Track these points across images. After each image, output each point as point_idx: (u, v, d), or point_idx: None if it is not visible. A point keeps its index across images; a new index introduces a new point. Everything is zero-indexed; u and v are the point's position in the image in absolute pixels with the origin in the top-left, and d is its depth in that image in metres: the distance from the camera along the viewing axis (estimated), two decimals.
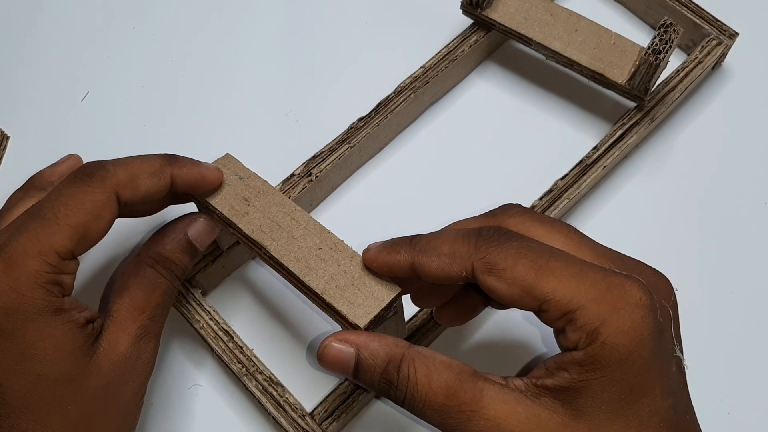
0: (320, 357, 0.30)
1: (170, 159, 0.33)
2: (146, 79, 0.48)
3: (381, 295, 0.31)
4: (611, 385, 0.26)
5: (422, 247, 0.29)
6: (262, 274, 0.41)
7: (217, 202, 0.34)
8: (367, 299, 0.31)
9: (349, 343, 0.29)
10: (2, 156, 0.46)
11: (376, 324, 0.31)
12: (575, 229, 0.30)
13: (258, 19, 0.50)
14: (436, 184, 0.44)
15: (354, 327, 0.30)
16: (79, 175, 0.31)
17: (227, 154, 0.36)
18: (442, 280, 0.29)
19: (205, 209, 0.35)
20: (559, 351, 0.28)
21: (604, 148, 0.41)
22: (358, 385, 0.34)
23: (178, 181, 0.33)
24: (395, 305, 0.32)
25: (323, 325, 0.39)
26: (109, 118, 0.47)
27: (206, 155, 0.44)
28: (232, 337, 0.36)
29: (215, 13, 0.51)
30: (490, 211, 0.32)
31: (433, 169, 0.44)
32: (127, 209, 0.32)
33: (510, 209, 0.31)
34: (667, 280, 0.30)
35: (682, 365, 0.28)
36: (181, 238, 0.35)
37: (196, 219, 0.35)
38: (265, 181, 0.35)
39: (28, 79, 0.49)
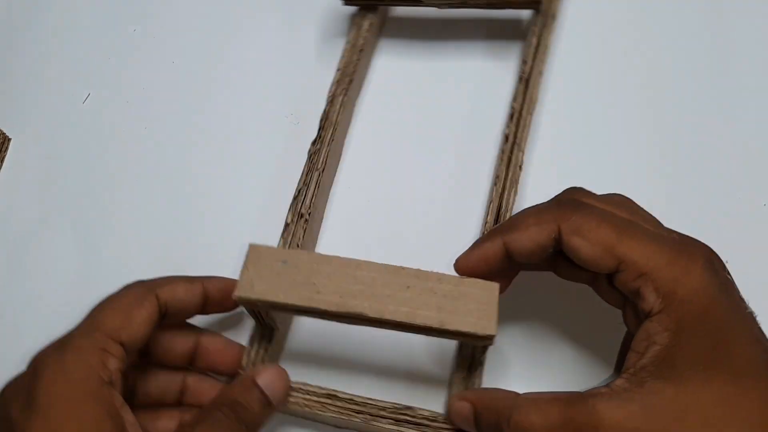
0: (448, 413, 0.34)
1: (201, 277, 0.36)
2: (147, 81, 0.49)
3: (486, 298, 0.32)
4: (700, 342, 0.28)
5: (508, 227, 0.32)
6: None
7: (281, 296, 0.33)
8: (478, 309, 0.32)
9: (466, 400, 0.33)
10: (4, 158, 0.47)
11: None
12: (633, 202, 0.33)
13: (259, 21, 0.50)
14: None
15: (487, 338, 0.31)
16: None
17: (251, 245, 0.34)
18: (534, 250, 0.32)
19: (273, 309, 0.34)
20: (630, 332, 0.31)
21: (531, 57, 0.43)
22: None
23: (209, 287, 0.36)
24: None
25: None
26: (110, 121, 0.48)
27: (207, 155, 0.46)
28: (336, 395, 0.35)
29: (216, 14, 0.51)
30: (556, 196, 0.34)
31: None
32: (169, 318, 0.34)
33: (576, 191, 0.34)
34: (715, 253, 0.31)
35: (756, 319, 0.30)
36: (248, 383, 0.34)
37: (266, 369, 0.35)
38: (310, 253, 0.34)
39: (29, 81, 0.49)
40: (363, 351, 0.39)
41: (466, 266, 0.33)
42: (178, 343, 0.36)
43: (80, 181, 0.46)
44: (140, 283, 0.34)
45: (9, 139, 0.47)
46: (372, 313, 0.32)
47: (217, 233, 0.43)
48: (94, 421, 0.29)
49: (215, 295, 0.36)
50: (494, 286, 0.32)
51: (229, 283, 0.36)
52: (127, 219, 0.44)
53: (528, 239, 0.31)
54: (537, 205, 0.34)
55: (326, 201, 0.43)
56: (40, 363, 0.30)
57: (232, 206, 0.44)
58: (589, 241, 0.30)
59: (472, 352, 0.35)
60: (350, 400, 0.35)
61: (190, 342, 0.37)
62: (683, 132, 0.44)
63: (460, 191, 0.43)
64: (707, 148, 0.43)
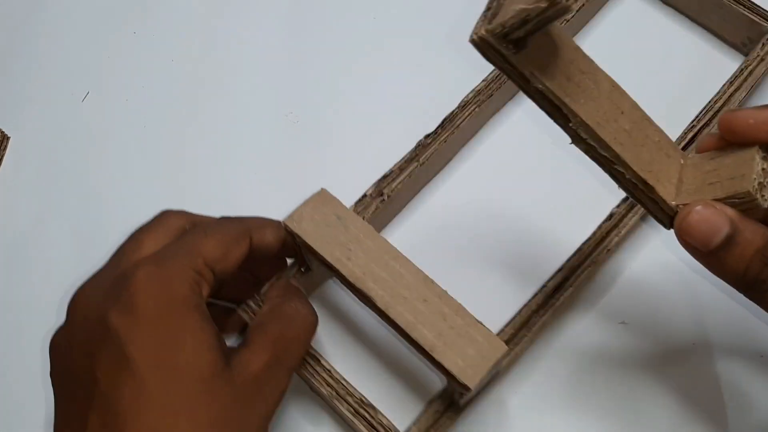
0: (685, 218, 0.27)
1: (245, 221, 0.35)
2: (147, 80, 0.48)
3: (488, 352, 0.32)
4: None
5: None
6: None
7: (319, 246, 0.34)
8: (473, 357, 0.31)
9: (725, 213, 0.26)
10: (2, 156, 0.46)
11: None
12: None
13: (258, 20, 0.50)
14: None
15: (464, 387, 0.31)
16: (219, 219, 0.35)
17: (322, 189, 0.36)
18: None
19: (307, 253, 0.36)
20: None
21: None
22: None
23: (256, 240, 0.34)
24: (500, 364, 0.32)
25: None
26: (109, 119, 0.47)
27: (207, 155, 0.46)
28: (320, 360, 0.36)
29: (216, 11, 0.50)
30: None
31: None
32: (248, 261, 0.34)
33: None
34: None
35: None
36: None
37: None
38: (365, 223, 0.35)
39: (28, 80, 0.49)
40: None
41: (731, 125, 0.28)
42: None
43: (79, 180, 0.45)
44: (238, 221, 0.34)
45: (8, 138, 0.47)
46: (380, 304, 0.33)
47: None
48: (204, 333, 0.29)
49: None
50: (501, 347, 0.32)
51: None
52: (126, 218, 0.42)
53: None
54: None
55: (414, 195, 0.43)
56: (136, 273, 0.29)
57: (231, 204, 0.42)
58: None
59: (452, 392, 0.35)
60: (328, 371, 0.36)
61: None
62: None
63: None
64: None
